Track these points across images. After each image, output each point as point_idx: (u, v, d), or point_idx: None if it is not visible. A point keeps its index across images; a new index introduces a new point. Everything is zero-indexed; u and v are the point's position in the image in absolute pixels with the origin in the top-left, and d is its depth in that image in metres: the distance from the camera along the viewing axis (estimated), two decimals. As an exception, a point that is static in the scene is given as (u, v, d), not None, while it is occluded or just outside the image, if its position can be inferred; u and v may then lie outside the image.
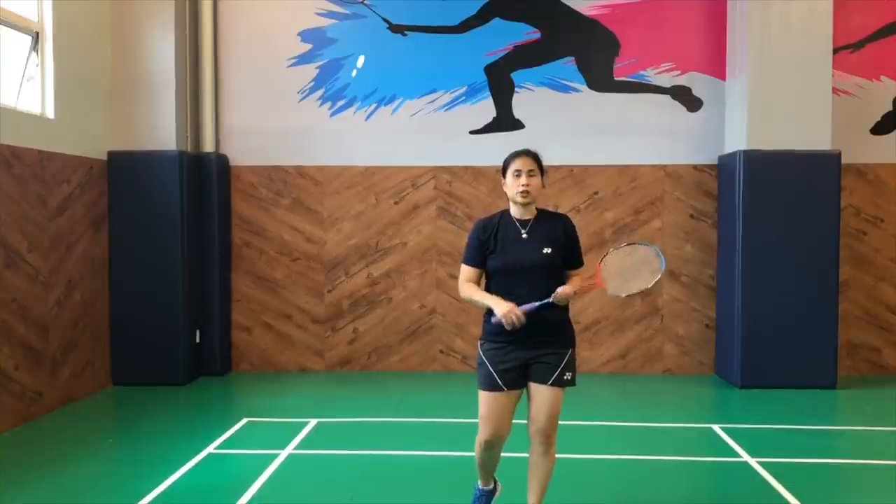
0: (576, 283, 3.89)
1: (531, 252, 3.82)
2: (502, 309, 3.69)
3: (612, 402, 7.15)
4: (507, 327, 3.69)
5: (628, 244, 4.04)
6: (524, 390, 3.92)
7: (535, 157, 3.90)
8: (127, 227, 7.64)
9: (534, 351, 3.82)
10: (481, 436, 3.93)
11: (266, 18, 8.37)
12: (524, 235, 3.87)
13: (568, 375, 3.85)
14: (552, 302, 3.72)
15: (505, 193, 3.97)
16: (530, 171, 3.85)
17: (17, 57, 6.67)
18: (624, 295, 3.95)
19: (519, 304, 3.71)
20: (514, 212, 3.94)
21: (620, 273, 3.97)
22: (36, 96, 6.81)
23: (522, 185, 3.83)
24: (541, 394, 3.83)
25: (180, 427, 6.33)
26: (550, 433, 3.86)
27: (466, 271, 3.95)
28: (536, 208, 3.97)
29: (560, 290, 3.74)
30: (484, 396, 3.89)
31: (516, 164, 3.88)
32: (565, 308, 3.91)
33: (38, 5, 6.83)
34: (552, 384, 3.82)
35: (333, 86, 8.39)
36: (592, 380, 7.98)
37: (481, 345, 3.94)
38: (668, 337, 8.28)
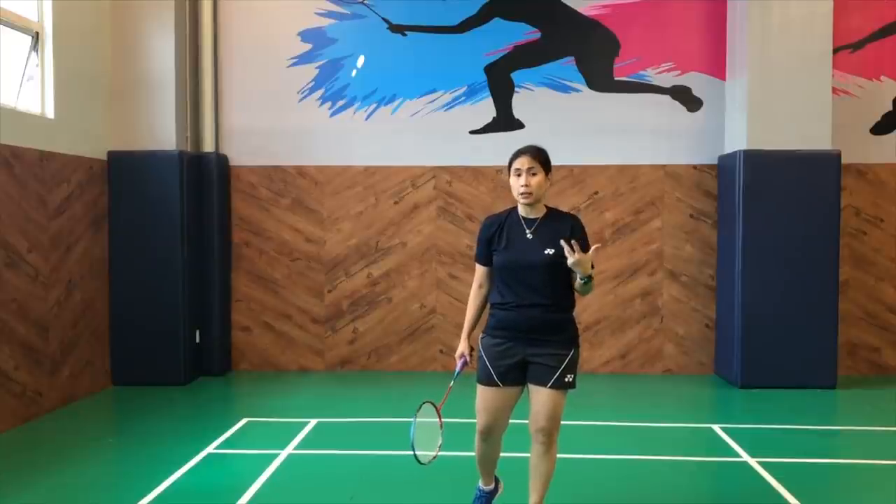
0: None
1: (533, 252, 3.76)
2: (459, 348, 4.01)
3: (612, 402, 7.14)
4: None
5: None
6: (524, 387, 3.89)
7: (535, 156, 3.80)
8: (127, 227, 7.63)
9: (534, 349, 3.77)
10: (478, 426, 3.95)
11: (266, 18, 8.37)
12: (529, 235, 3.81)
13: (569, 378, 3.77)
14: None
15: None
16: (530, 168, 3.78)
17: (17, 57, 6.67)
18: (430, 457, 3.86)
19: (520, 302, 3.76)
20: (521, 210, 3.89)
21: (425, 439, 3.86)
22: (36, 96, 6.81)
23: (522, 186, 3.77)
24: (540, 395, 3.78)
25: (180, 427, 6.33)
26: (551, 432, 3.80)
27: (478, 271, 4.02)
28: (546, 207, 3.91)
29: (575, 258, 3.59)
30: (480, 389, 3.90)
31: (517, 164, 3.82)
32: (568, 308, 3.86)
33: (38, 5, 6.82)
34: (551, 387, 3.75)
35: (333, 86, 8.39)
36: (592, 380, 7.97)
37: (482, 339, 3.95)
38: (668, 337, 8.28)
